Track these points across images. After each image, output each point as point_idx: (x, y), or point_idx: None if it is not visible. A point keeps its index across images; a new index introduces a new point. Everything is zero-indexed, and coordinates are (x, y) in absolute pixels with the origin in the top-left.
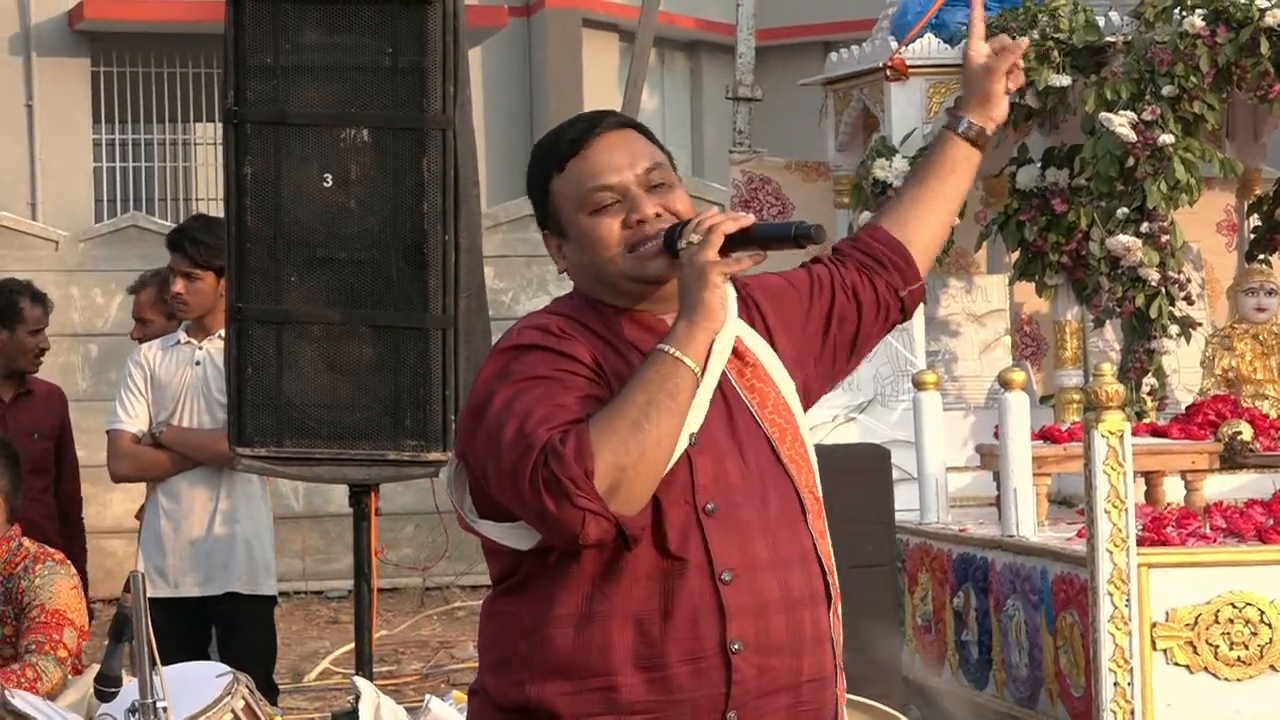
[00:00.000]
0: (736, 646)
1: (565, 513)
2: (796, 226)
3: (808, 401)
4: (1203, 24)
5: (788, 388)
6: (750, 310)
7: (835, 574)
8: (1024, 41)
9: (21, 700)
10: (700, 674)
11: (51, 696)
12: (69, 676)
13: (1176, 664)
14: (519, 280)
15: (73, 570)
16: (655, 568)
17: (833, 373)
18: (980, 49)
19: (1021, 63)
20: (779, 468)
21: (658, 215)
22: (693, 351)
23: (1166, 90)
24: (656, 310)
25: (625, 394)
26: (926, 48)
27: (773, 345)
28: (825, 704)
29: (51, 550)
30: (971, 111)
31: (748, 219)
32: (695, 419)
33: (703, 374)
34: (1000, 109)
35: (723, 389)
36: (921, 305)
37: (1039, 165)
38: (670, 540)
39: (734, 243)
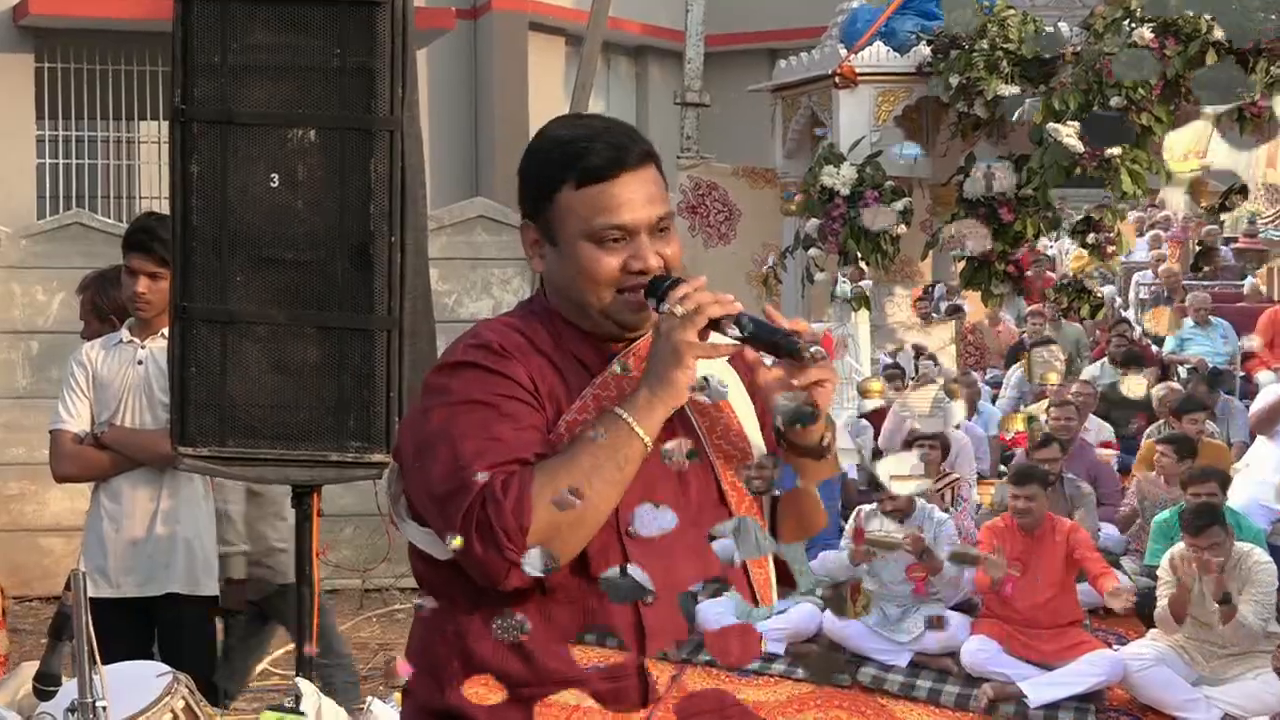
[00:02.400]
0: None
1: (491, 559)
2: (788, 341)
3: None
4: (1152, 36)
5: (750, 421)
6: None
7: (772, 598)
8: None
9: None
10: (620, 692)
11: None
12: None
13: None
14: (463, 283)
15: None
16: (577, 587)
17: None
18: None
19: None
20: (719, 493)
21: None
22: (648, 425)
23: (1115, 101)
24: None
25: (573, 454)
26: (875, 55)
27: (750, 391)
28: None
29: None
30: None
31: (734, 306)
32: None
33: (651, 446)
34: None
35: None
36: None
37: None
38: (592, 562)
39: (715, 324)
